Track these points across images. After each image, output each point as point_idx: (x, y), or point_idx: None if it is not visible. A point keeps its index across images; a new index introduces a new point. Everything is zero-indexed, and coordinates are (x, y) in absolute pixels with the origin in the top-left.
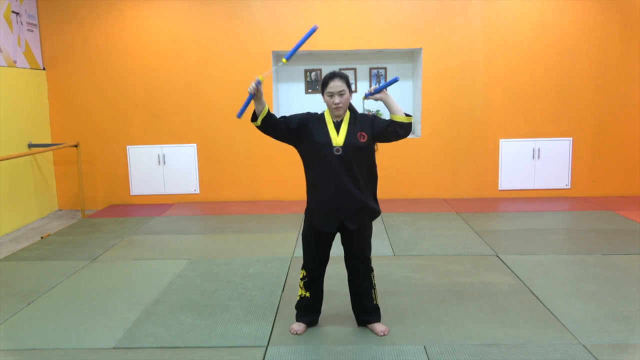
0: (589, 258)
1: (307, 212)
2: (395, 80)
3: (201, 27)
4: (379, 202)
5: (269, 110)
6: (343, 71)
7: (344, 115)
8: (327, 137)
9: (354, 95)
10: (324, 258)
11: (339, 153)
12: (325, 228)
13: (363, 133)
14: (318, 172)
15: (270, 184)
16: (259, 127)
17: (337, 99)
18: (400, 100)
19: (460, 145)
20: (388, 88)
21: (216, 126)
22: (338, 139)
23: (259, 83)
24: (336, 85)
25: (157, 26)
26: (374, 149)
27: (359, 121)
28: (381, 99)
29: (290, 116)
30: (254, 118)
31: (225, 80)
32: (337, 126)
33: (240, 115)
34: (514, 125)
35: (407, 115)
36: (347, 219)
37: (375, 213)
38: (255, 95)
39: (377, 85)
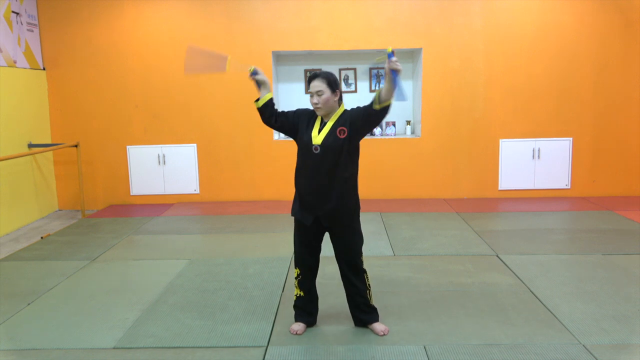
0: (589, 258)
1: (293, 202)
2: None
3: (201, 27)
4: (360, 199)
5: (271, 98)
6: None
7: (332, 114)
8: (309, 135)
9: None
10: (311, 256)
11: (317, 152)
12: (301, 218)
13: (343, 128)
14: (301, 166)
15: (270, 184)
16: (261, 109)
17: (315, 99)
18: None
19: (460, 145)
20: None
21: (216, 126)
22: (318, 138)
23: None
24: (314, 85)
25: (157, 26)
26: (357, 145)
27: (345, 117)
28: (389, 72)
29: (287, 112)
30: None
31: (225, 80)
32: (323, 125)
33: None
34: (514, 125)
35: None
36: (322, 217)
37: (351, 212)
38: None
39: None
